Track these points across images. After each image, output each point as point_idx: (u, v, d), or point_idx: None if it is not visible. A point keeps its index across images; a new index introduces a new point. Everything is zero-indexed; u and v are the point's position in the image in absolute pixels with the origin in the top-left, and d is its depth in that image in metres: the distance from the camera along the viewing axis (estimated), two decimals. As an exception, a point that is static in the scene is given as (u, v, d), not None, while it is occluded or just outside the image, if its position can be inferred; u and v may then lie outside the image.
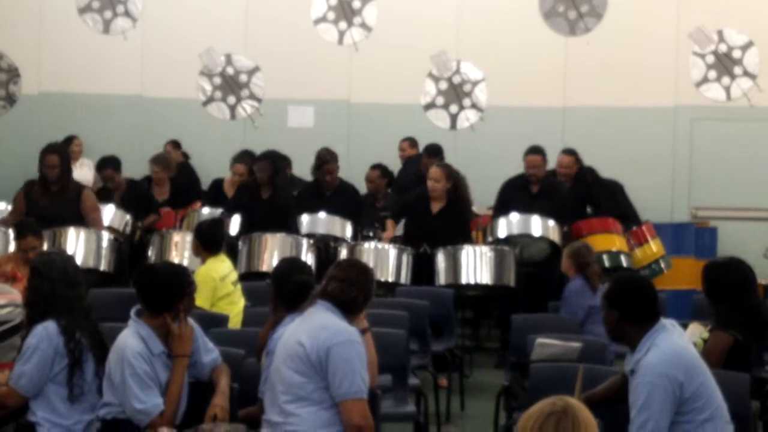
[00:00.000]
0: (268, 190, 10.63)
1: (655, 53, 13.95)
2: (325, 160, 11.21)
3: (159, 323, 5.46)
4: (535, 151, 10.89)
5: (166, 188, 12.12)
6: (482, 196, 11.80)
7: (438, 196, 10.23)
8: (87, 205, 9.83)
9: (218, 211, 10.83)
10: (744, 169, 13.79)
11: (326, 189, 11.17)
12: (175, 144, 13.63)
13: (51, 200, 9.69)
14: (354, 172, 12.55)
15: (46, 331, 5.57)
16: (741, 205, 13.83)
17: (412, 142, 13.29)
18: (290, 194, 11.05)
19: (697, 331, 6.53)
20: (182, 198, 12.02)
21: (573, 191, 11.32)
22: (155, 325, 5.46)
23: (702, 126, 13.95)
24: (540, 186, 10.77)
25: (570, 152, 11.81)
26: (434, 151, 12.38)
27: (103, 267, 9.79)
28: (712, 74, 14.01)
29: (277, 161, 10.76)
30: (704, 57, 14.01)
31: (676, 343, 5.12)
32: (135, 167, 12.76)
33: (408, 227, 10.39)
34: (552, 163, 11.42)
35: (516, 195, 10.78)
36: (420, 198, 10.40)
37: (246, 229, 10.34)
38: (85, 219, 9.78)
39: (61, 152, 9.98)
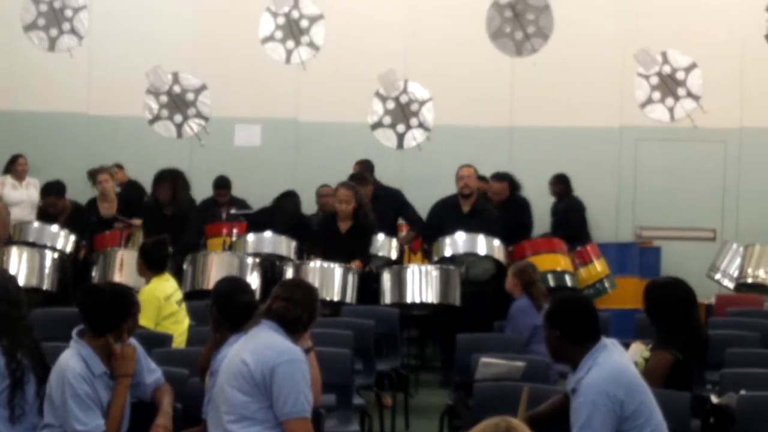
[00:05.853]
0: (171, 208, 10.76)
1: (600, 74, 14.07)
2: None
3: (101, 343, 5.43)
4: (468, 165, 11.04)
5: (113, 204, 12.06)
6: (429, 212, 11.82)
7: (344, 217, 10.28)
8: None
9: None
10: (687, 189, 13.95)
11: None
12: (119, 166, 13.53)
13: None
14: (300, 191, 12.54)
15: (-13, 352, 5.52)
16: (684, 225, 13.97)
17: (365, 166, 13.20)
18: (192, 208, 11.17)
19: (638, 349, 6.58)
20: (130, 215, 11.96)
21: (505, 214, 11.39)
22: (97, 345, 5.42)
23: (646, 146, 14.08)
24: (472, 207, 10.83)
25: (502, 178, 11.97)
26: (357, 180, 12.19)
27: (46, 286, 9.73)
28: (656, 95, 14.16)
29: (174, 179, 10.85)
30: (648, 78, 14.16)
31: (617, 362, 5.17)
32: (80, 186, 12.66)
33: (321, 245, 10.38)
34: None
35: (448, 214, 10.84)
36: (326, 222, 10.46)
37: None
38: None
39: None
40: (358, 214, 10.31)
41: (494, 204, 11.70)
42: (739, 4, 14.04)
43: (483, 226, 10.51)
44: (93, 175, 12.11)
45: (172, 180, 10.81)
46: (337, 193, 10.35)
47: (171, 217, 10.70)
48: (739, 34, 14.00)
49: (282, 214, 11.50)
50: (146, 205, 11.09)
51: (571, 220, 12.72)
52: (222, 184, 12.91)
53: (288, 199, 11.72)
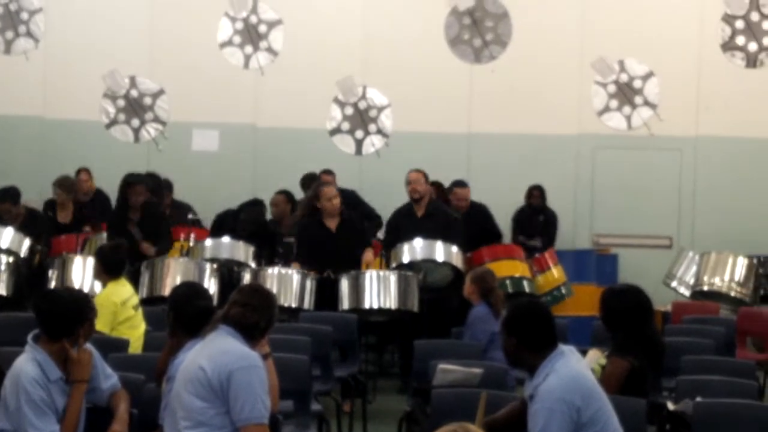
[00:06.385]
0: (138, 213, 10.57)
1: (558, 82, 14.15)
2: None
3: (57, 348, 5.39)
4: (416, 170, 11.06)
5: (69, 212, 11.99)
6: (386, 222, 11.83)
7: (334, 214, 10.27)
8: None
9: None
10: (644, 197, 14.05)
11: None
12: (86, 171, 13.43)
13: None
14: (258, 197, 12.50)
15: (-59, 356, 5.46)
16: (641, 232, 14.08)
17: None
18: (159, 213, 10.97)
19: (595, 356, 6.61)
20: (84, 223, 11.89)
21: (468, 221, 11.41)
22: (53, 350, 5.38)
23: (603, 154, 14.17)
24: (426, 210, 10.84)
25: (464, 184, 11.99)
26: (304, 184, 12.16)
27: (0, 290, 9.63)
28: (614, 103, 14.21)
29: (153, 184, 10.73)
30: (606, 86, 14.20)
31: (574, 369, 5.18)
32: (36, 189, 12.58)
33: (309, 249, 10.34)
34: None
35: (403, 221, 10.85)
36: (312, 222, 10.42)
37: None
38: None
39: None
40: (342, 212, 10.38)
41: (461, 210, 11.67)
42: (695, 14, 14.17)
43: (438, 228, 10.54)
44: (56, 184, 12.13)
45: (147, 185, 10.63)
46: (324, 192, 10.35)
47: (137, 223, 10.53)
48: (695, 43, 14.14)
49: (245, 222, 11.46)
50: (114, 209, 10.91)
51: (552, 235, 12.83)
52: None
53: (253, 209, 11.68)
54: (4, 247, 10.31)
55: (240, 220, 11.68)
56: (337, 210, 10.32)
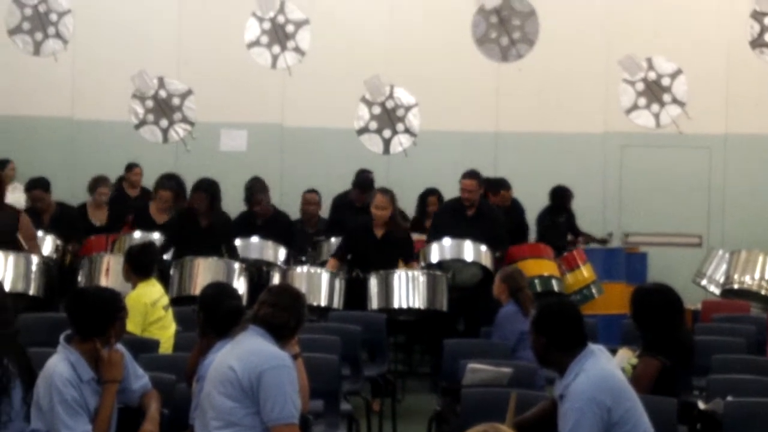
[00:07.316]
0: (207, 218, 10.38)
1: (585, 80, 14.11)
2: (254, 191, 11.29)
3: (89, 348, 5.41)
4: (470, 175, 10.90)
5: (103, 213, 12.07)
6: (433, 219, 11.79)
7: (382, 223, 10.26)
8: (24, 231, 9.69)
9: (150, 235, 10.72)
10: (673, 195, 13.99)
11: (258, 218, 11.23)
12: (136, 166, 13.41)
13: None
14: (286, 197, 12.53)
15: (-27, 358, 5.49)
16: (670, 231, 14.02)
17: None
18: (229, 222, 10.90)
19: (625, 356, 6.58)
20: (119, 223, 11.97)
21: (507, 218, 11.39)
22: (85, 350, 5.41)
23: (632, 152, 14.12)
24: (476, 210, 10.79)
25: (508, 186, 11.96)
26: (367, 185, 12.03)
27: (32, 291, 9.65)
28: (642, 101, 14.19)
29: (211, 190, 10.57)
30: (634, 84, 14.19)
31: (604, 368, 5.17)
32: (65, 190, 12.64)
33: (353, 256, 10.34)
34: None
35: (452, 218, 10.78)
36: (361, 226, 10.40)
37: (180, 256, 10.16)
38: (24, 244, 9.66)
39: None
40: (391, 221, 10.29)
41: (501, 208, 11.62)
42: (723, 10, 14.10)
43: (489, 229, 10.49)
44: (97, 182, 12.20)
45: (207, 190, 10.43)
46: (375, 199, 10.32)
47: (205, 229, 10.34)
48: (723, 40, 14.07)
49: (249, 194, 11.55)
50: (180, 212, 10.85)
51: (575, 230, 12.80)
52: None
53: (252, 182, 11.75)
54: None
55: (246, 193, 11.63)
56: (383, 220, 10.19)
